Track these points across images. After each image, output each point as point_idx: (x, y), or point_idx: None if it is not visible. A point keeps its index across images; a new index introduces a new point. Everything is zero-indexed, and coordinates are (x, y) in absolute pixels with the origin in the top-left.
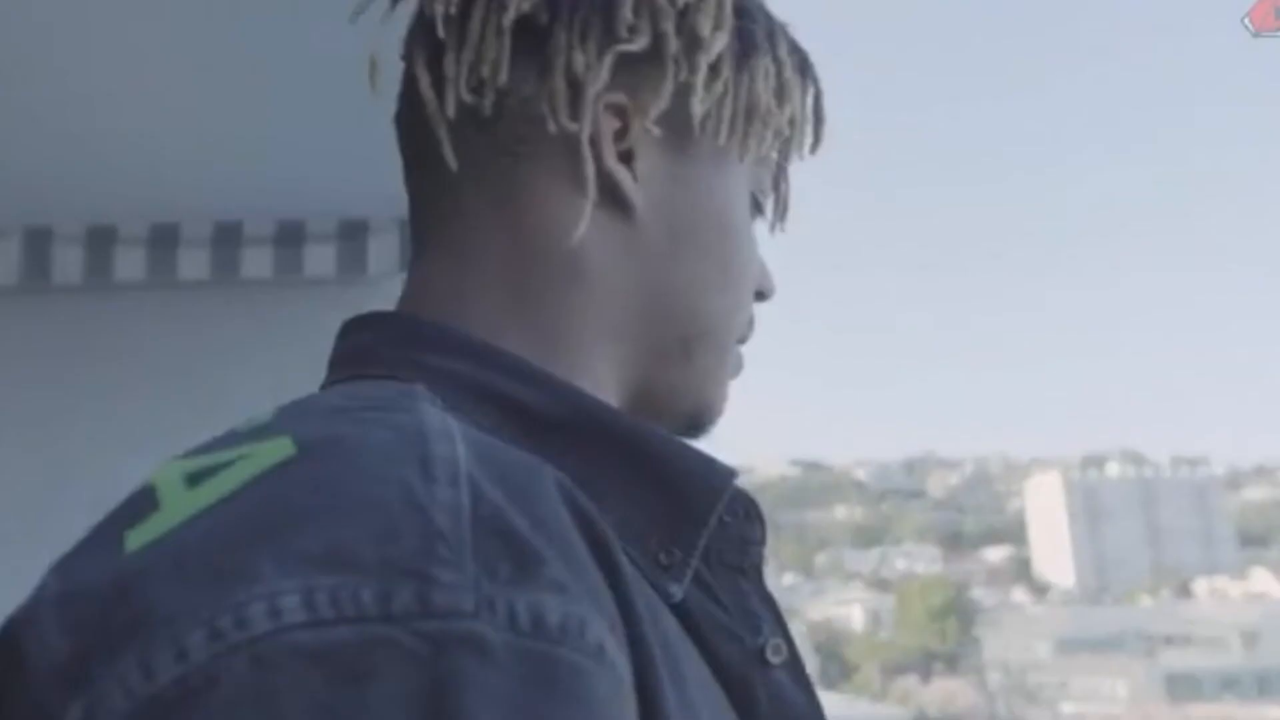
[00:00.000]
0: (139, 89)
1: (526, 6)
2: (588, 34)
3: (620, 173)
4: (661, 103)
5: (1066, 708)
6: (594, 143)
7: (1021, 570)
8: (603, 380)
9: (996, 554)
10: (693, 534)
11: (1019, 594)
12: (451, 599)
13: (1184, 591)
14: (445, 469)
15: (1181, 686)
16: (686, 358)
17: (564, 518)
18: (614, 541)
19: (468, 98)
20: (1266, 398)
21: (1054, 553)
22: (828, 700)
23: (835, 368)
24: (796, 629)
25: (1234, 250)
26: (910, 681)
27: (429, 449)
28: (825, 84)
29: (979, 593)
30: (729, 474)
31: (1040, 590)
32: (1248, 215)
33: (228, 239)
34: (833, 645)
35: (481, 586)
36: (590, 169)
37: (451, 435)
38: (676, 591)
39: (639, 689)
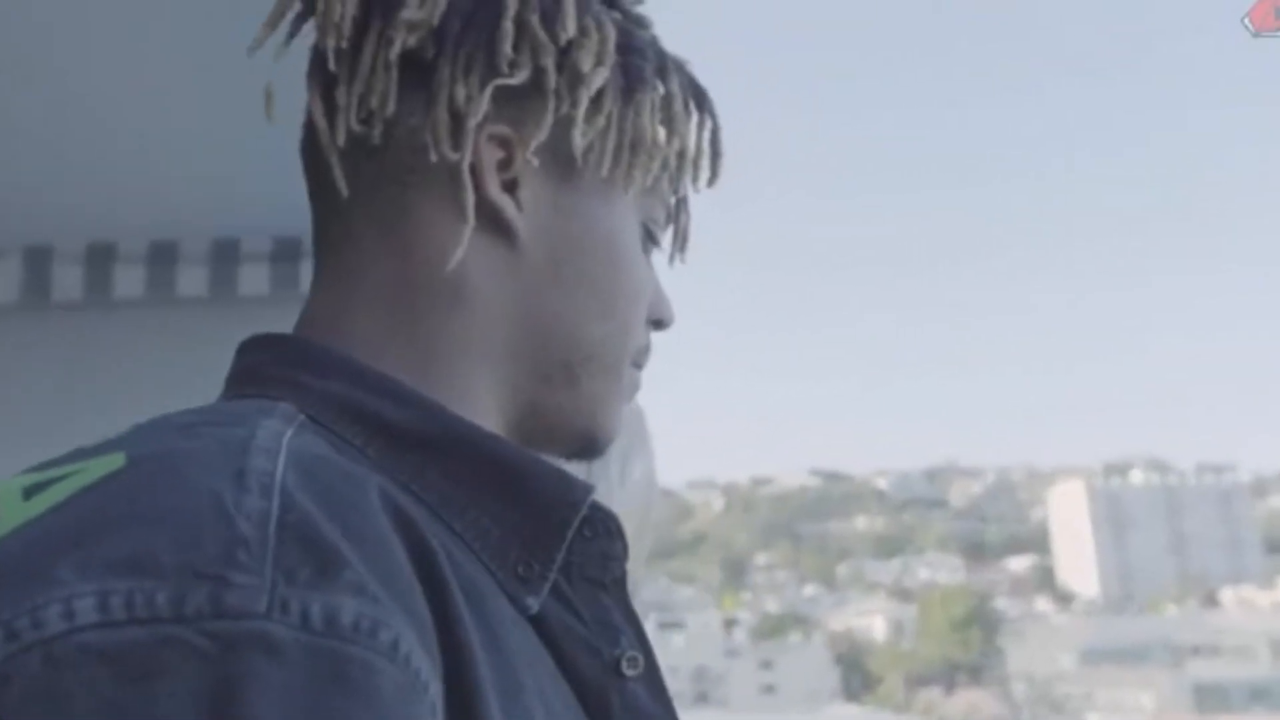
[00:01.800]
0: (137, 109)
1: (413, 41)
2: (471, 68)
3: (503, 201)
4: (542, 134)
5: (1092, 718)
6: (475, 172)
7: (1045, 580)
8: (481, 402)
9: (1019, 563)
10: (550, 548)
11: (1043, 604)
12: (243, 600)
13: (1210, 600)
14: (259, 480)
15: (1209, 697)
16: (571, 382)
17: (380, 527)
18: (438, 553)
19: (357, 128)
20: None
21: (1078, 562)
22: (851, 712)
23: (855, 377)
24: (818, 640)
25: (1262, 253)
26: (934, 693)
27: (247, 461)
28: (723, 119)
29: (1002, 603)
30: (586, 489)
31: (1064, 600)
32: (1277, 217)
33: (226, 256)
34: (855, 656)
35: (277, 588)
36: (470, 196)
37: (274, 450)
38: (533, 604)
39: (457, 694)
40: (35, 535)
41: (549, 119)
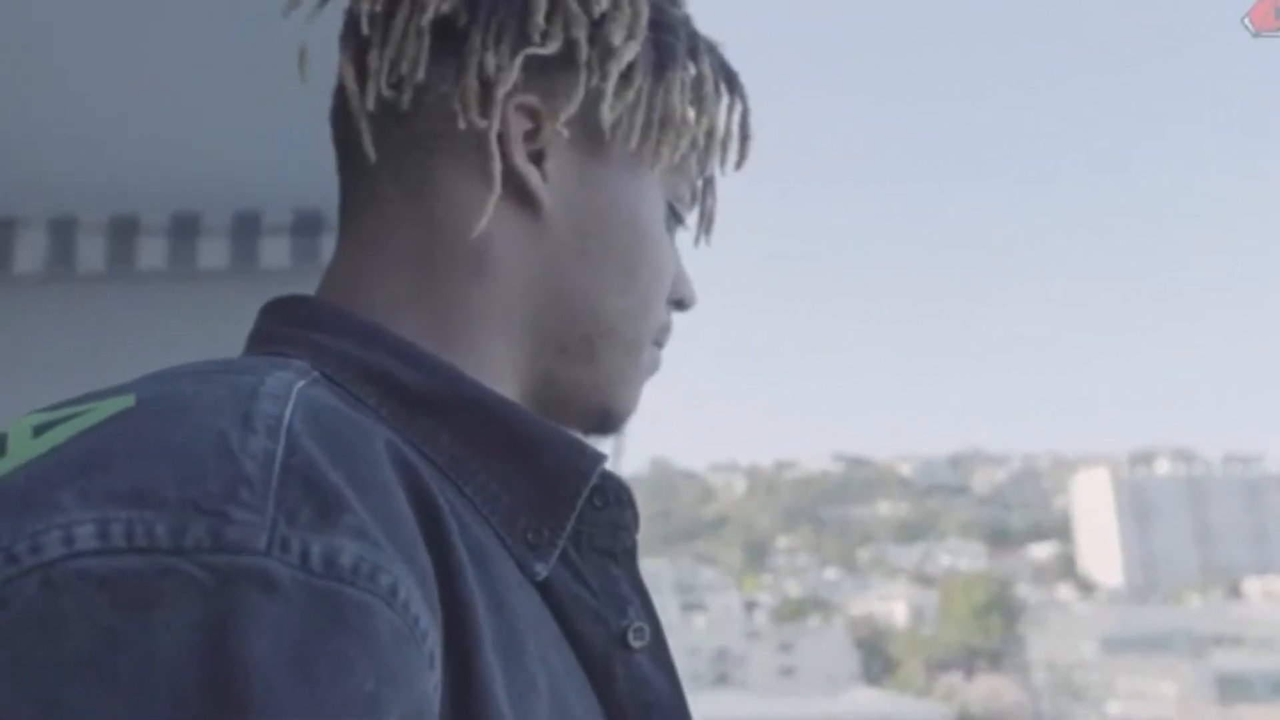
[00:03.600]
0: (161, 82)
1: (446, 8)
2: (502, 36)
3: (528, 170)
4: (572, 107)
5: (1113, 707)
6: (502, 141)
7: (1067, 568)
8: (499, 370)
9: (1042, 551)
10: (560, 515)
11: (1065, 591)
12: (244, 536)
13: (1234, 591)
14: (265, 422)
15: (1232, 688)
16: (590, 356)
17: (385, 476)
18: (442, 507)
19: (387, 92)
20: None
21: (1101, 550)
22: (871, 696)
23: (881, 363)
24: (838, 624)
25: None
26: (954, 678)
27: (255, 405)
28: (754, 103)
29: (1024, 590)
30: (597, 458)
31: (1086, 588)
32: None
33: (247, 229)
34: (876, 641)
35: (278, 527)
36: (496, 165)
37: (283, 396)
38: (541, 570)
39: (457, 649)
40: (40, 467)
41: (579, 91)
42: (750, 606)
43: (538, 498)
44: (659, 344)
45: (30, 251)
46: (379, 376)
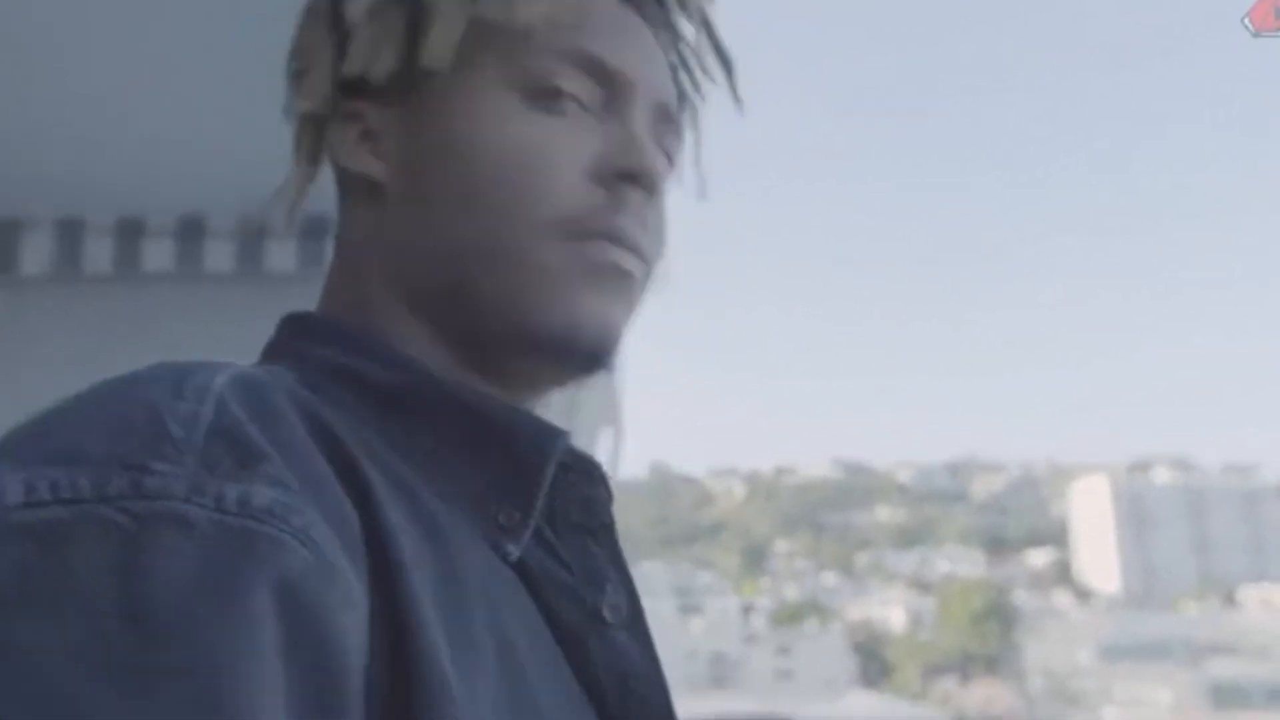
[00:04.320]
0: (166, 83)
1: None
2: (303, 75)
3: (365, 165)
4: (354, 67)
5: (1109, 714)
6: (343, 153)
7: (1064, 575)
8: (434, 352)
9: (1039, 558)
10: (528, 495)
11: (1061, 598)
12: (163, 484)
13: (1231, 600)
14: (196, 391)
15: (1227, 696)
16: (478, 291)
17: (305, 439)
18: (371, 480)
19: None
20: None
21: (1098, 558)
22: (867, 701)
23: (880, 370)
24: (836, 628)
25: None
26: (950, 683)
27: (189, 377)
28: None
29: (1021, 596)
30: (557, 435)
31: (1083, 595)
32: None
33: (253, 232)
34: (873, 645)
35: (198, 477)
36: (342, 182)
37: (217, 370)
38: (513, 550)
39: (389, 607)
40: None
41: (358, 64)
42: (748, 610)
43: (505, 480)
44: (597, 235)
45: (36, 253)
46: (355, 378)
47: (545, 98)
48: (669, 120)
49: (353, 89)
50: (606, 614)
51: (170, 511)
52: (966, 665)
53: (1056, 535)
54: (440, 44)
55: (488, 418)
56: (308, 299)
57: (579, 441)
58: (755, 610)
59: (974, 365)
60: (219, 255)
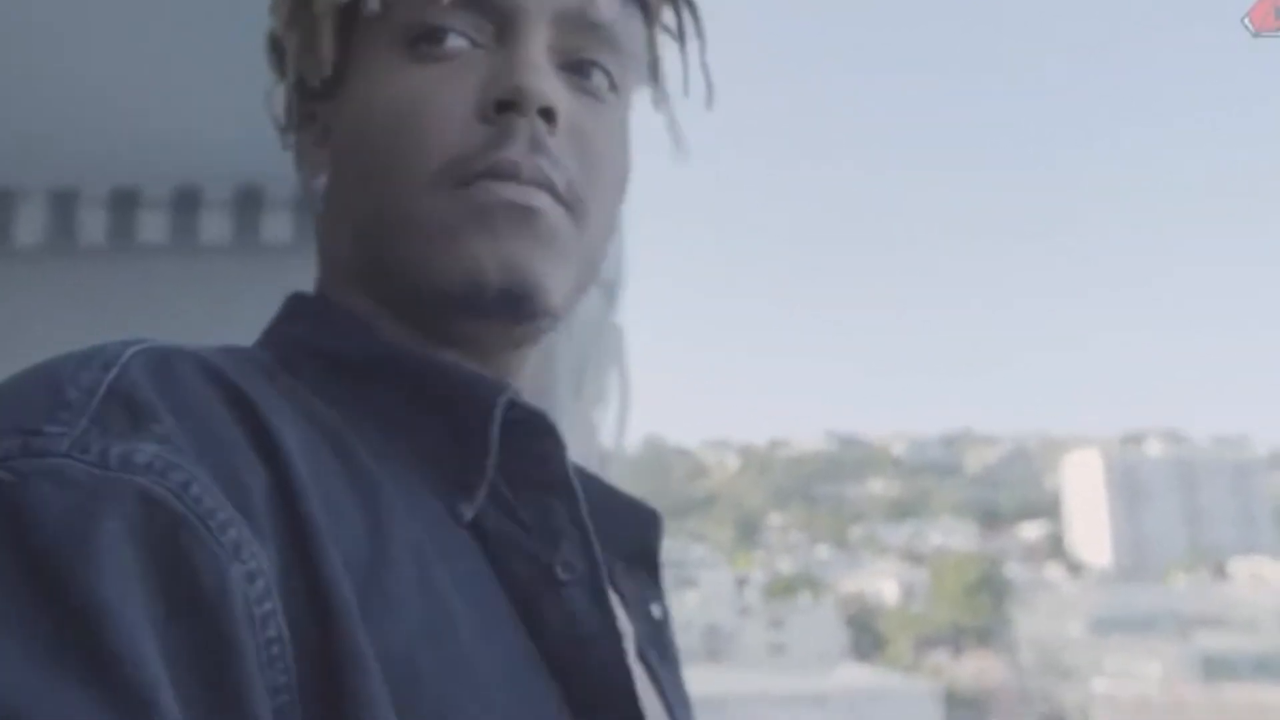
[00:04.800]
0: (160, 53)
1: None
2: (271, 98)
3: (320, 160)
4: (303, 67)
5: (1098, 686)
6: (301, 163)
7: (1056, 547)
8: (379, 319)
9: (1032, 530)
10: (476, 454)
11: (1053, 571)
12: (48, 444)
13: (1221, 573)
14: (102, 359)
15: (1216, 668)
16: (399, 257)
17: (208, 403)
18: (276, 429)
19: None
20: None
21: (1091, 531)
22: (860, 673)
23: (874, 344)
24: (829, 601)
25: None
26: (942, 656)
27: (102, 350)
28: None
29: (1013, 569)
30: (497, 389)
31: (1075, 568)
32: None
33: (249, 202)
34: (866, 618)
35: (86, 437)
36: (307, 193)
37: (131, 343)
38: (466, 511)
39: (301, 558)
40: None
41: (291, 73)
42: (741, 583)
43: (452, 441)
44: (483, 175)
45: (30, 224)
46: (320, 352)
47: (426, 43)
48: (587, 27)
49: (308, 93)
50: (559, 572)
51: (50, 468)
52: (959, 638)
53: (1049, 508)
54: (324, 40)
55: (428, 379)
56: (304, 270)
57: (584, 412)
58: (749, 583)
59: (969, 340)
60: (214, 226)
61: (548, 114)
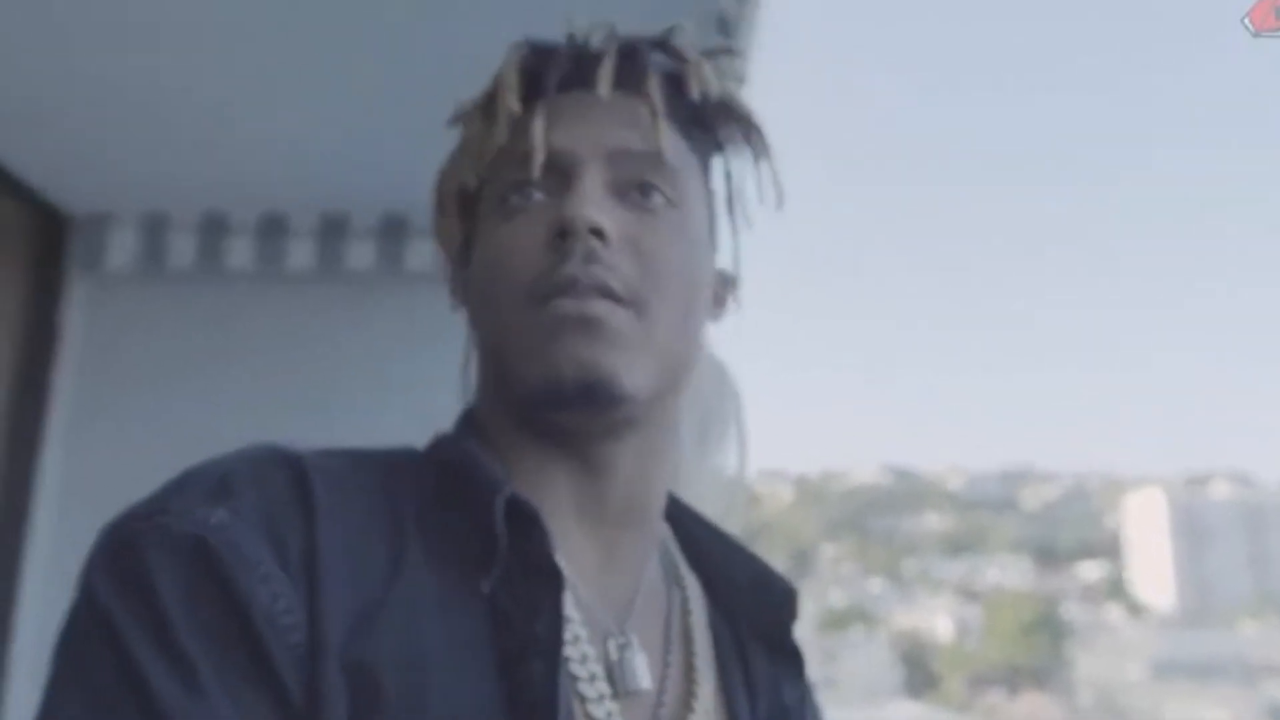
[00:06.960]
0: (252, 86)
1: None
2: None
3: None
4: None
5: None
6: (448, 261)
7: (1116, 588)
8: (498, 416)
9: (1091, 570)
10: (488, 540)
11: (1113, 612)
12: (158, 510)
13: None
14: (231, 460)
15: None
16: (504, 366)
17: (273, 479)
18: (316, 495)
19: None
20: None
21: (1153, 573)
22: (912, 710)
23: (934, 376)
24: (882, 636)
25: None
26: (997, 695)
27: (248, 449)
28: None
29: (1071, 609)
30: (495, 485)
31: (1135, 610)
32: None
33: (334, 231)
34: (919, 654)
35: (183, 509)
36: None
37: (268, 446)
38: (484, 585)
39: (309, 590)
40: None
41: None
42: None
43: (474, 528)
44: (553, 294)
45: (120, 248)
46: (433, 449)
47: (511, 200)
48: (637, 157)
49: (454, 259)
50: (531, 644)
51: (153, 525)
52: (1014, 677)
53: (1109, 548)
54: (451, 218)
55: (465, 479)
56: (386, 300)
57: (710, 456)
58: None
59: (1032, 376)
60: (300, 253)
61: (598, 233)
